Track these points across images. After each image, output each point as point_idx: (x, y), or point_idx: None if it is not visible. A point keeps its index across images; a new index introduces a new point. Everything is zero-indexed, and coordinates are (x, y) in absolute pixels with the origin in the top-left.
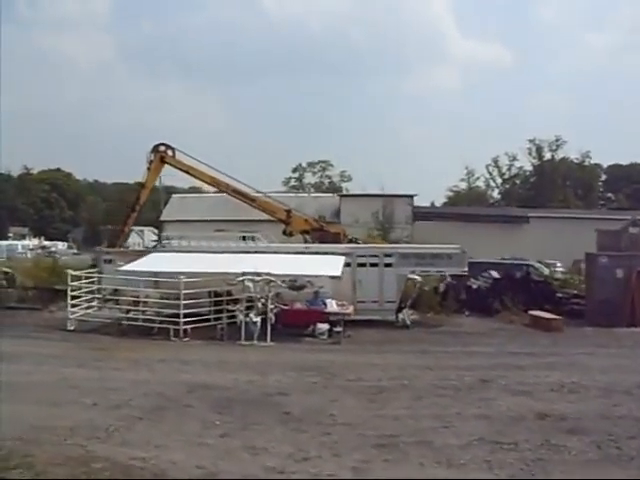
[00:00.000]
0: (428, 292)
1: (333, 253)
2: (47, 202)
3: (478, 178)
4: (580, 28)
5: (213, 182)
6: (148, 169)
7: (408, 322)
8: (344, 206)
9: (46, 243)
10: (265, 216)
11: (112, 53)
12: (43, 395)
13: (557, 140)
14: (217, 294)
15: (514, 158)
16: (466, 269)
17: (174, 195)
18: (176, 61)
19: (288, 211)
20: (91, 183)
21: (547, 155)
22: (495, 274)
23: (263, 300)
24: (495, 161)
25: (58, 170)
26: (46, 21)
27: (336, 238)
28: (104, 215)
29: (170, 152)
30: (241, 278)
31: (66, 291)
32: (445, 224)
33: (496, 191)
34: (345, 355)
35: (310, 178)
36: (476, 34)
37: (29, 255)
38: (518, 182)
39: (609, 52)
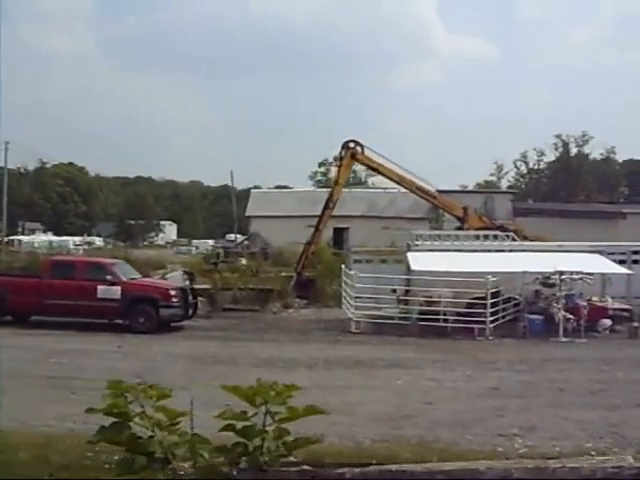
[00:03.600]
0: None
1: (582, 251)
2: (62, 196)
3: (507, 173)
4: (562, 23)
5: (400, 180)
6: (339, 166)
7: None
8: None
9: (89, 239)
10: (356, 212)
11: (97, 47)
12: (556, 400)
13: (584, 135)
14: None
15: (542, 153)
16: None
17: (254, 190)
18: (163, 55)
19: (465, 209)
20: (94, 177)
21: (574, 150)
22: None
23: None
24: (524, 156)
25: (71, 164)
26: (30, 17)
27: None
28: (126, 209)
29: (359, 149)
30: (564, 276)
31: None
32: (544, 220)
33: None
34: None
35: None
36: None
37: (81, 252)
38: (536, 177)
39: (598, 47)
